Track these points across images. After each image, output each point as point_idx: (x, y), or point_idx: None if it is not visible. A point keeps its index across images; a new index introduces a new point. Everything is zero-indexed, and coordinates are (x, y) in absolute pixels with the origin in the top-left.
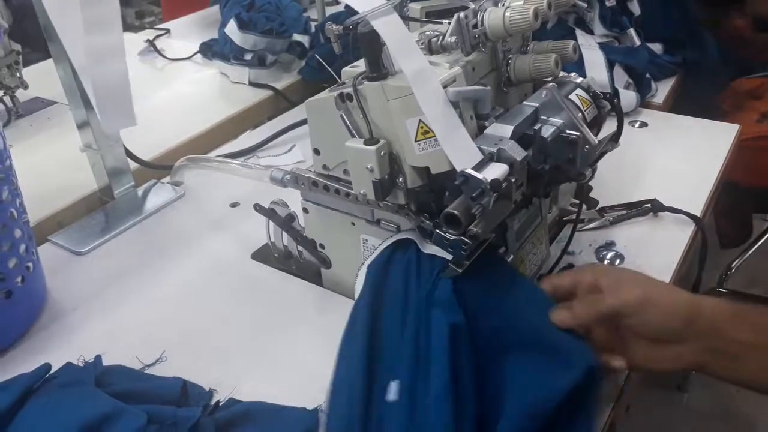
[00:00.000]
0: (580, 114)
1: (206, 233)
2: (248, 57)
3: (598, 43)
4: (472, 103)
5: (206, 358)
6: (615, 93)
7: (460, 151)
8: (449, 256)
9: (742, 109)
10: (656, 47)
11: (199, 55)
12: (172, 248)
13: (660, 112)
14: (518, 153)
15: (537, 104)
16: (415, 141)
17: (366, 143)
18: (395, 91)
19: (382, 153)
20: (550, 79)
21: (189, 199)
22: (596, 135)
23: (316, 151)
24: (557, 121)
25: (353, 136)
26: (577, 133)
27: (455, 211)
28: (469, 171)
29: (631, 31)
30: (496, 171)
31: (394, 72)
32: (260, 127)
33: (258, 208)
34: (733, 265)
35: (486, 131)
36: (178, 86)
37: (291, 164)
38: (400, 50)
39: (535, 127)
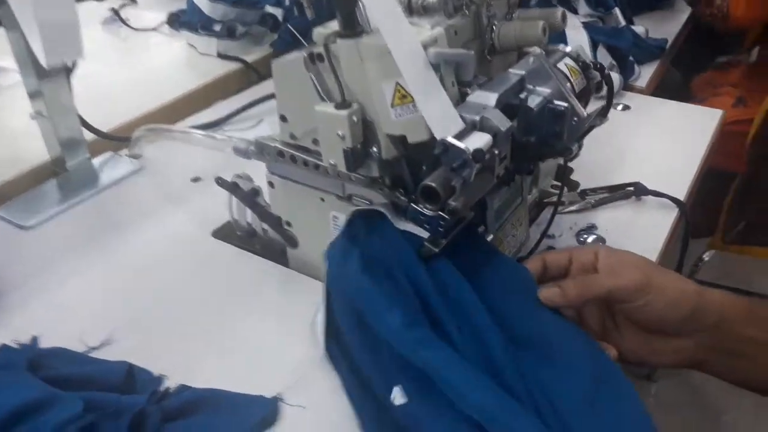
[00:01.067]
0: (568, 84)
1: (165, 209)
2: (217, 28)
3: (582, 23)
4: (453, 67)
5: (157, 342)
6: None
7: (440, 118)
8: (425, 234)
9: (718, 94)
10: (640, 30)
11: (166, 25)
12: (127, 224)
13: (643, 95)
14: (503, 122)
15: (523, 72)
16: (392, 106)
17: (337, 107)
18: (371, 51)
19: (354, 118)
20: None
21: (148, 172)
22: (585, 108)
23: (283, 118)
24: (545, 90)
25: (323, 100)
26: (566, 104)
27: (433, 184)
28: (450, 139)
29: (617, 10)
30: (479, 141)
31: (370, 30)
32: (227, 99)
33: (220, 181)
34: (704, 256)
35: (468, 99)
36: (142, 57)
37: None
38: (376, 5)
39: (521, 96)
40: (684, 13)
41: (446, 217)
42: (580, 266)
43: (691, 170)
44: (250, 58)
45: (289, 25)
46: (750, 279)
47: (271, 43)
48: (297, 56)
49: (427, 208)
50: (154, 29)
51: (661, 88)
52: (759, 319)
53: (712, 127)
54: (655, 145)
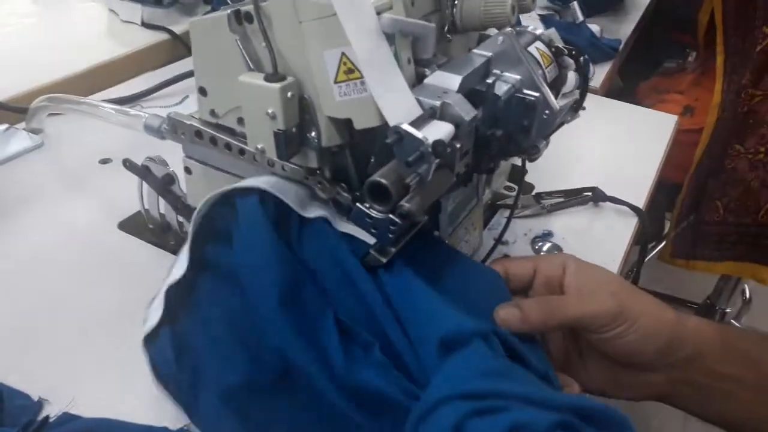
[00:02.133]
0: (540, 71)
1: (65, 193)
2: None
3: (539, 15)
4: (410, 41)
5: (40, 357)
6: None
7: (394, 101)
8: (371, 240)
9: (664, 101)
10: (594, 29)
11: None
12: (16, 209)
13: (597, 96)
14: (467, 111)
15: (490, 53)
16: (335, 82)
17: (267, 79)
18: (311, 10)
19: (289, 94)
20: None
21: (48, 150)
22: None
23: (202, 91)
24: (513, 77)
25: (251, 70)
26: (537, 94)
27: (383, 180)
28: (406, 127)
29: (575, 5)
30: (439, 131)
31: None
32: (149, 73)
33: (128, 164)
34: (644, 261)
35: (427, 80)
36: (54, 21)
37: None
38: None
39: (488, 81)
40: (633, 21)
41: (397, 221)
42: (545, 281)
43: (649, 177)
44: (178, 29)
45: None
46: (680, 286)
47: (204, 14)
48: (220, 15)
49: (374, 209)
50: None
51: (614, 90)
52: (735, 353)
53: (668, 132)
54: (610, 149)
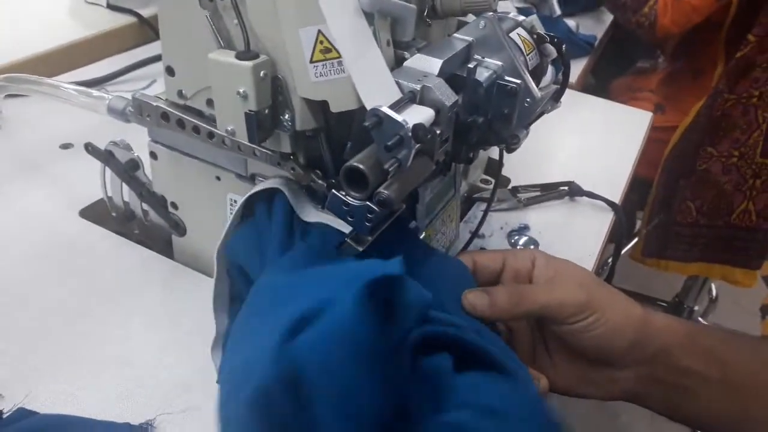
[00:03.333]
0: (522, 58)
1: (23, 179)
2: None
3: (516, 8)
4: (389, 23)
5: None
6: None
7: (372, 83)
8: (347, 228)
9: (637, 99)
10: (571, 24)
11: None
12: None
13: (573, 91)
14: (447, 96)
15: (471, 38)
16: (311, 62)
17: (239, 57)
18: None
19: (261, 73)
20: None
21: (6, 134)
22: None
23: (170, 71)
24: (495, 63)
25: (222, 47)
26: (519, 81)
27: (361, 165)
28: (385, 110)
29: None
30: (419, 115)
31: None
32: (114, 57)
33: (90, 149)
34: (608, 259)
35: (406, 63)
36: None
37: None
38: None
39: (470, 66)
40: (607, 21)
41: (375, 208)
42: (514, 273)
43: (624, 173)
44: (146, 12)
45: None
46: (649, 284)
47: None
48: None
49: (351, 196)
50: None
51: (589, 86)
52: (700, 349)
53: (643, 129)
54: (586, 144)
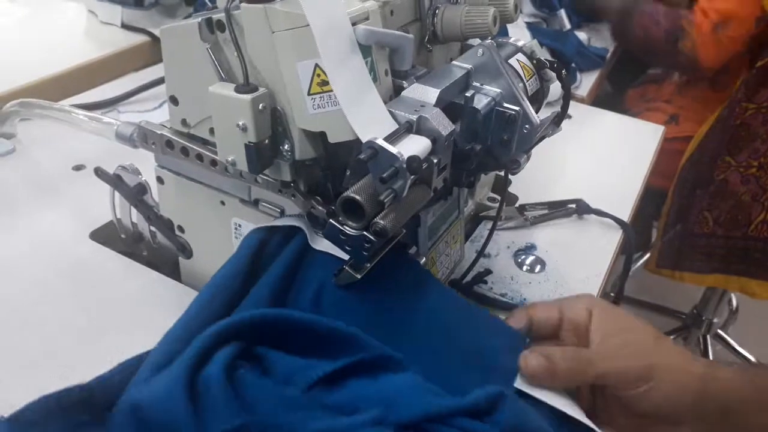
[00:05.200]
0: (521, 84)
1: (36, 201)
2: None
3: (525, 23)
4: (387, 53)
5: (2, 373)
6: None
7: (367, 115)
8: (345, 256)
9: (651, 109)
10: (582, 37)
11: None
12: None
13: (584, 105)
14: (444, 125)
15: (470, 66)
16: (309, 94)
17: (238, 90)
18: (284, 20)
19: (260, 106)
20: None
21: (21, 155)
22: (537, 114)
23: (174, 100)
24: (493, 90)
25: (223, 79)
26: (517, 108)
27: (357, 197)
28: (380, 142)
29: (562, 12)
30: (415, 146)
31: None
32: (128, 76)
33: (99, 173)
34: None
35: (404, 93)
36: (33, 20)
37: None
38: None
39: (467, 95)
40: None
41: (371, 238)
42: (572, 327)
43: (634, 189)
44: (159, 31)
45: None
46: (666, 295)
47: (186, 17)
48: (191, 23)
49: (348, 226)
50: None
51: (597, 101)
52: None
53: (654, 143)
54: (596, 159)
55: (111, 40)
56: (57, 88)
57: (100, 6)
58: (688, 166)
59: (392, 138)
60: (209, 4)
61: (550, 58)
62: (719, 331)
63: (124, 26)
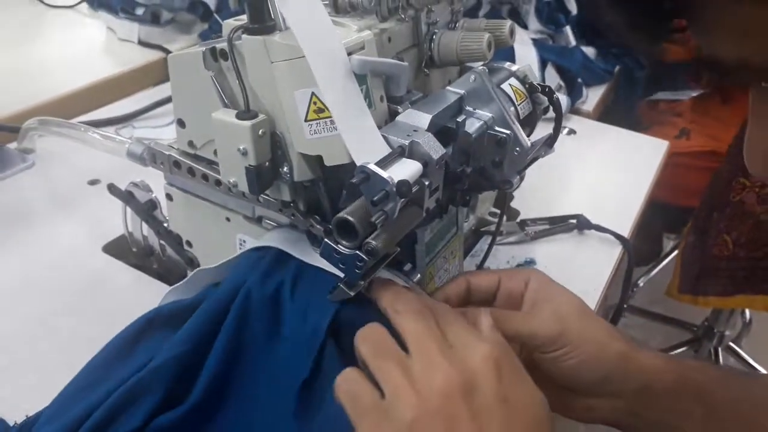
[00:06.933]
0: (512, 108)
1: (53, 214)
2: (140, 11)
3: (532, 39)
4: (383, 80)
5: (19, 383)
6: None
7: (361, 140)
8: (340, 273)
9: (662, 124)
10: (589, 51)
11: (85, 4)
12: (4, 230)
13: (589, 120)
14: (435, 149)
15: (462, 91)
16: (306, 120)
17: (239, 117)
18: (282, 51)
19: (260, 132)
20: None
21: (39, 170)
22: (529, 136)
23: (181, 123)
24: (485, 114)
25: (225, 105)
26: (508, 132)
27: (350, 218)
28: (371, 167)
29: (567, 29)
30: (405, 170)
31: (285, 27)
32: (144, 92)
33: (112, 189)
34: (638, 281)
35: (398, 119)
36: (54, 38)
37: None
38: None
39: (459, 120)
40: None
41: (364, 257)
42: (507, 294)
43: (636, 205)
44: (175, 47)
45: (220, 20)
46: (678, 308)
47: (200, 34)
48: (197, 51)
49: (342, 245)
50: (71, 7)
51: (606, 112)
52: (688, 388)
53: (658, 159)
54: (599, 174)
55: (128, 56)
56: (76, 103)
57: (118, 23)
58: (707, 189)
59: (384, 162)
60: (221, 22)
61: (542, 83)
62: (731, 344)
63: (141, 43)
